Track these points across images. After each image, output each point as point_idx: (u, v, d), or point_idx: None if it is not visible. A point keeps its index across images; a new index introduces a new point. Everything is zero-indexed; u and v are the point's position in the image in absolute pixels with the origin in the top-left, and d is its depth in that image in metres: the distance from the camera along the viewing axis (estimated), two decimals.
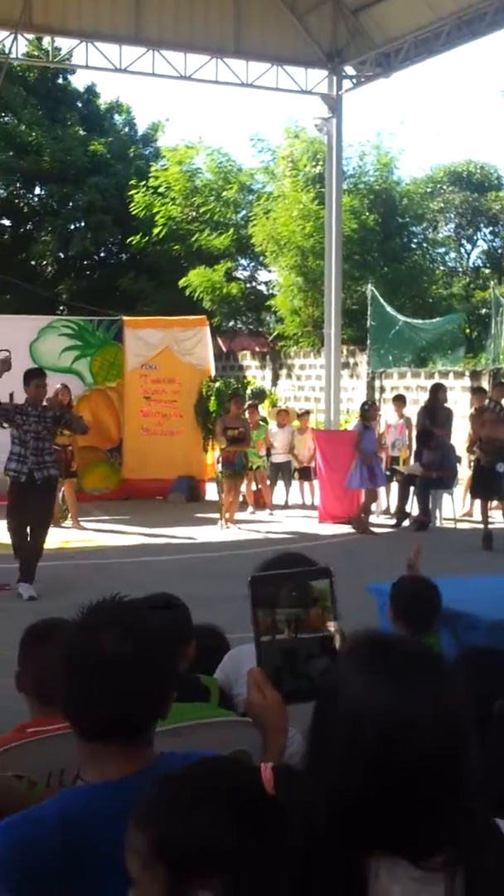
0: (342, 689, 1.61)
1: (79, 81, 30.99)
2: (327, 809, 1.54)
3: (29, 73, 28.74)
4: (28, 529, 10.25)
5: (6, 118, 28.69)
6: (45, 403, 10.38)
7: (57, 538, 13.30)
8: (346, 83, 19.63)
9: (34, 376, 10.38)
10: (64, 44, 19.84)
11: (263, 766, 1.58)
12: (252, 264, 26.89)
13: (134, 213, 26.07)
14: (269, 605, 2.01)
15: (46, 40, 20.31)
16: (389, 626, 4.82)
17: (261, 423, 16.71)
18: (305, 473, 16.90)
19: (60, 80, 30.42)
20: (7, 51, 19.21)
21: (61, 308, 27.27)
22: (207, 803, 1.54)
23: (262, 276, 27.14)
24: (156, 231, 25.36)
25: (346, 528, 14.41)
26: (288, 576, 2.11)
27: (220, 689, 3.71)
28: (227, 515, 14.59)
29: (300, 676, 2.01)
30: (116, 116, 31.11)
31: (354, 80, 19.68)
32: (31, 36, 19.64)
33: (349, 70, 19.46)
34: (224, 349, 26.44)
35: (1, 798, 2.47)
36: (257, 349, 27.19)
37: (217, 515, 14.78)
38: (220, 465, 14.85)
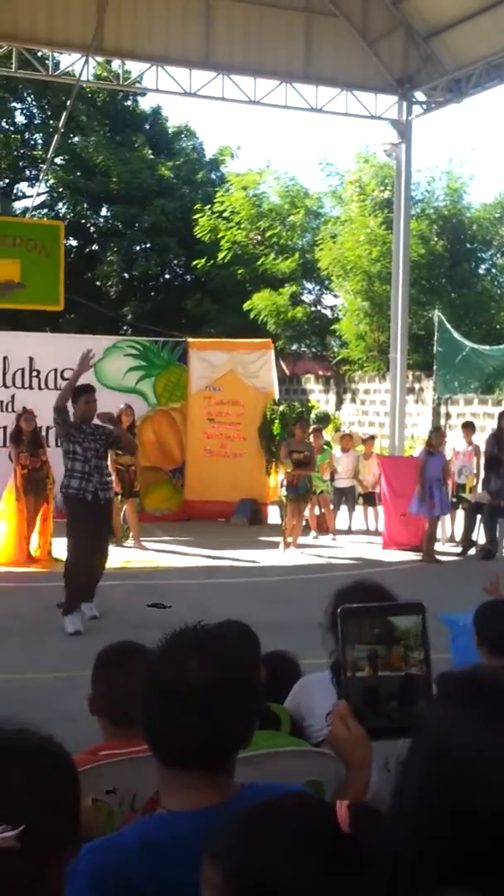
0: (430, 728, 1.55)
1: (145, 104, 31.37)
2: (410, 850, 1.48)
3: (99, 95, 29.10)
4: (91, 550, 9.86)
5: (75, 139, 29.05)
6: (96, 421, 9.99)
7: (119, 558, 13.33)
8: (417, 109, 19.57)
9: (83, 392, 9.97)
10: (134, 67, 20.08)
11: (339, 803, 1.52)
12: (317, 288, 26.88)
13: (199, 236, 26.20)
14: (353, 639, 1.99)
15: (116, 63, 20.55)
16: (462, 656, 4.72)
17: (325, 447, 16.61)
18: (370, 499, 16.75)
19: (128, 103, 30.78)
20: (78, 73, 19.47)
21: (125, 328, 27.46)
22: (282, 839, 1.49)
23: (327, 300, 27.12)
24: (220, 255, 25.45)
25: (411, 555, 14.23)
26: (379, 609, 2.05)
27: (291, 717, 3.62)
28: (290, 539, 14.47)
29: (381, 716, 1.99)
30: (184, 140, 31.35)
31: (425, 106, 19.61)
32: (101, 59, 19.87)
33: (419, 96, 19.41)
34: (287, 372, 26.42)
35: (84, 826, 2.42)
36: (320, 373, 27.13)
37: (280, 539, 14.68)
38: (283, 489, 14.76)
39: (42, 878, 1.54)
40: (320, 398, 25.21)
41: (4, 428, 16.25)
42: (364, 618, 2.01)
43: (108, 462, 10.23)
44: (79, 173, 28.39)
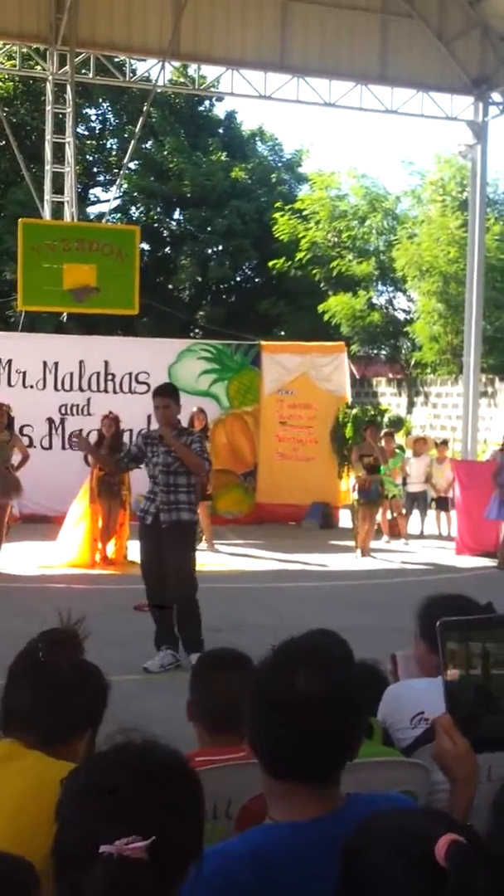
0: None
1: (220, 107, 31.49)
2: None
3: (174, 100, 29.27)
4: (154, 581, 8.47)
5: (148, 144, 29.25)
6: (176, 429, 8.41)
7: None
8: (493, 110, 19.38)
9: (154, 395, 8.63)
10: (209, 71, 20.18)
11: (443, 839, 1.55)
12: (391, 290, 26.74)
13: (278, 237, 26.20)
14: (456, 653, 1.98)
15: (192, 67, 20.67)
16: None
17: (397, 451, 16.51)
18: (443, 503, 16.63)
19: (202, 107, 30.92)
20: (154, 79, 19.62)
21: (196, 331, 27.58)
22: (385, 855, 1.58)
23: (399, 302, 26.96)
24: (299, 256, 25.44)
25: (485, 561, 14.10)
26: (485, 622, 2.04)
27: (383, 727, 3.62)
28: (363, 544, 14.42)
29: (498, 712, 1.98)
30: (259, 143, 31.38)
31: (502, 107, 19.41)
32: (178, 63, 20.01)
33: (496, 97, 19.22)
34: (358, 375, 26.31)
35: None
36: (391, 376, 26.99)
37: (352, 543, 14.64)
38: (355, 493, 14.70)
39: (167, 891, 1.56)
40: (391, 401, 25.08)
41: (80, 431, 16.41)
42: (472, 630, 2.00)
43: (186, 479, 8.32)
44: (152, 177, 28.58)
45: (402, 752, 3.37)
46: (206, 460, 8.48)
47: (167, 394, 8.51)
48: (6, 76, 26.45)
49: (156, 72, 19.46)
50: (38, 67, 20.77)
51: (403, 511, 16.37)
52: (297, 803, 2.02)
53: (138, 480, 13.94)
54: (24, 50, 19.72)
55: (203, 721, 3.16)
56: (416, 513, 16.82)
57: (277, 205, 26.66)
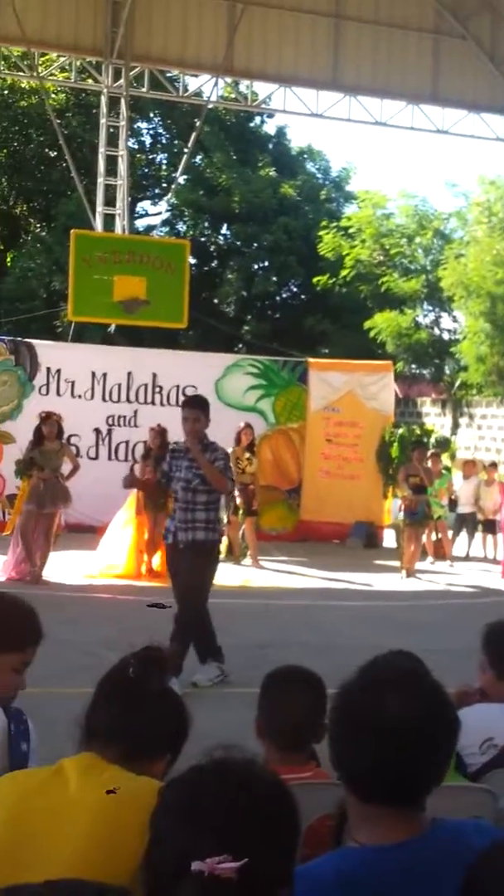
0: None
1: (270, 123, 31.61)
2: None
3: (226, 115, 29.42)
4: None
5: (197, 158, 29.43)
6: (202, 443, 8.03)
7: (239, 576, 13.43)
8: None
9: (184, 406, 8.35)
10: (260, 87, 20.29)
11: None
12: (436, 310, 26.64)
13: (322, 254, 26.24)
14: None
15: (244, 84, 20.79)
16: None
17: (443, 472, 16.41)
18: (490, 526, 16.50)
19: (252, 123, 31.06)
20: (207, 94, 19.75)
21: (240, 346, 27.63)
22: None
23: (445, 322, 26.86)
24: (344, 273, 25.44)
25: None
26: None
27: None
28: (408, 565, 14.34)
29: None
30: (307, 160, 31.45)
31: None
32: (230, 80, 20.13)
33: None
34: (401, 394, 26.22)
35: None
36: (434, 396, 26.87)
37: (396, 563, 14.55)
38: (402, 514, 14.63)
39: None
40: (436, 422, 24.97)
41: (126, 442, 16.50)
42: None
43: (206, 496, 7.97)
44: (201, 192, 28.72)
45: (469, 777, 3.35)
46: (229, 479, 8.15)
47: (198, 406, 8.14)
48: (59, 88, 26.72)
49: (208, 87, 19.60)
50: (90, 80, 20.99)
51: (450, 533, 16.25)
52: (384, 827, 2.00)
53: None
54: (79, 63, 19.93)
55: (272, 739, 3.14)
56: (463, 535, 16.70)
57: (323, 223, 26.68)
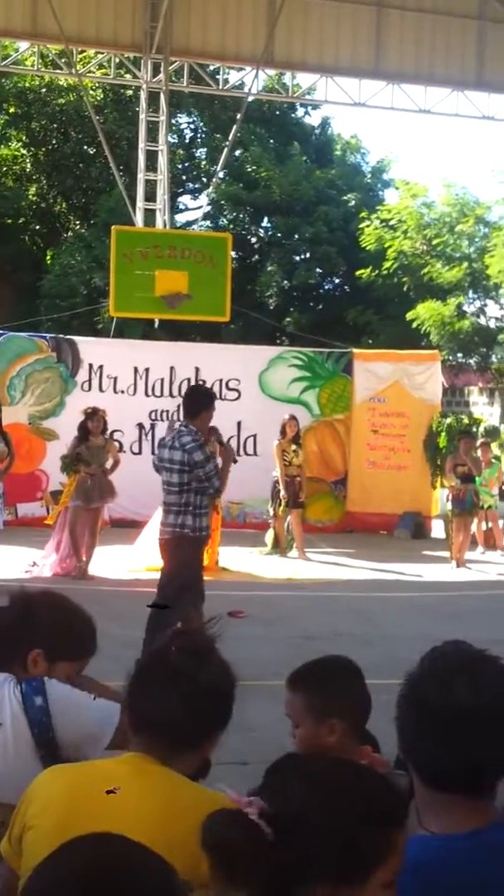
0: None
1: (314, 114, 31.42)
2: None
3: (266, 107, 29.29)
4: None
5: (237, 151, 29.35)
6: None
7: (286, 569, 13.34)
8: None
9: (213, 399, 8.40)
10: (302, 78, 20.11)
11: None
12: (482, 297, 26.31)
13: (364, 246, 26.05)
14: None
15: (287, 75, 20.65)
16: None
17: (493, 460, 16.21)
18: None
19: (294, 114, 30.90)
20: (248, 87, 19.66)
21: (283, 338, 27.51)
22: None
23: (491, 310, 26.51)
24: (386, 265, 25.23)
25: None
26: None
27: None
28: (458, 554, 14.16)
29: None
30: (348, 150, 31.25)
31: None
32: (272, 71, 20.00)
33: None
34: (447, 384, 25.97)
35: None
36: (481, 385, 26.56)
37: (445, 554, 14.39)
38: (450, 503, 14.45)
39: None
40: (483, 411, 24.68)
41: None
42: None
43: (184, 496, 7.91)
44: (241, 185, 28.64)
45: None
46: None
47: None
48: (97, 84, 26.75)
49: (248, 80, 19.50)
50: (128, 76, 20.98)
51: (501, 522, 16.04)
52: (456, 815, 1.99)
53: (231, 486, 13.97)
54: (118, 59, 19.90)
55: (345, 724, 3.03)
56: None
57: (363, 214, 26.52)
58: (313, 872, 1.59)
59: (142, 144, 19.47)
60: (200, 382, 16.86)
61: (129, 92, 26.78)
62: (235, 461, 8.67)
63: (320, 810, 1.62)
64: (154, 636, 7.66)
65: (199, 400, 8.16)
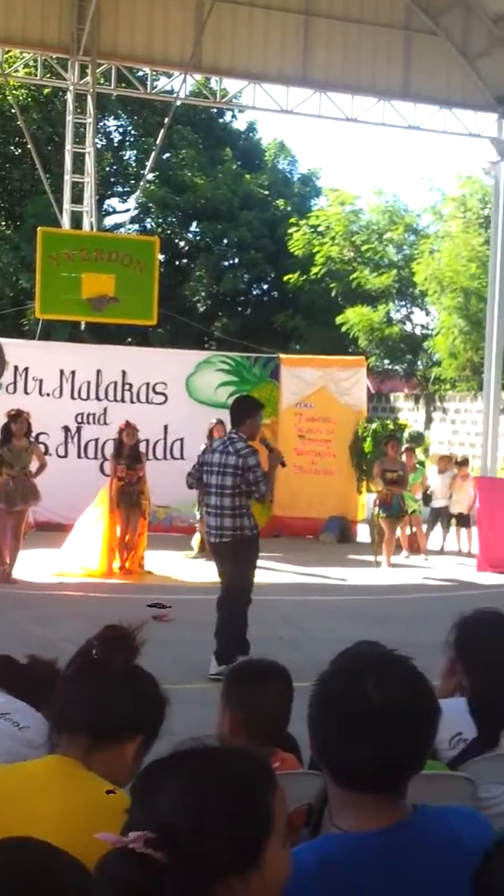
0: None
1: (241, 119, 31.54)
2: None
3: (196, 112, 29.26)
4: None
5: (165, 155, 29.28)
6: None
7: (212, 573, 13.30)
8: None
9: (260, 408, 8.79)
10: (230, 84, 20.14)
11: None
12: (408, 305, 26.64)
13: (293, 251, 26.21)
14: None
15: (214, 80, 20.65)
16: None
17: (417, 466, 16.41)
18: (464, 520, 16.51)
19: (222, 120, 30.95)
20: (176, 91, 19.60)
21: (211, 343, 27.55)
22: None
23: (417, 317, 26.86)
24: (314, 270, 25.41)
25: None
26: None
27: None
28: (385, 557, 14.32)
29: None
30: (277, 156, 31.40)
31: None
32: (199, 76, 19.98)
33: None
34: (373, 390, 26.22)
35: None
36: (407, 391, 26.88)
37: (370, 558, 14.52)
38: (377, 508, 14.60)
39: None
40: (409, 417, 24.98)
41: (96, 440, 16.40)
42: None
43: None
44: (168, 189, 28.61)
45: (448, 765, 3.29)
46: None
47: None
48: (20, 84, 26.47)
49: (177, 84, 19.45)
50: (50, 76, 20.79)
51: (424, 527, 16.25)
52: (364, 813, 1.99)
53: (157, 489, 13.94)
54: (44, 59, 19.71)
55: (241, 733, 3.07)
56: (437, 529, 16.69)
57: (292, 220, 26.64)
58: (214, 872, 1.55)
59: (69, 146, 19.30)
60: (127, 386, 16.82)
61: (48, 90, 26.53)
62: (284, 465, 9.10)
63: (188, 812, 1.57)
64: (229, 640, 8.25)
65: (244, 408, 8.53)
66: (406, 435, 18.79)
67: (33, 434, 13.10)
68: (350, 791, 2.00)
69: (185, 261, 30.05)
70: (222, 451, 8.30)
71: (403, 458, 15.40)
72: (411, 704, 2.01)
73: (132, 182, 30.16)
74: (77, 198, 19.18)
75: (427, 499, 16.67)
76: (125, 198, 31.71)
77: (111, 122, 30.65)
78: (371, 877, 1.91)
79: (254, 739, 3.04)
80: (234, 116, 30.96)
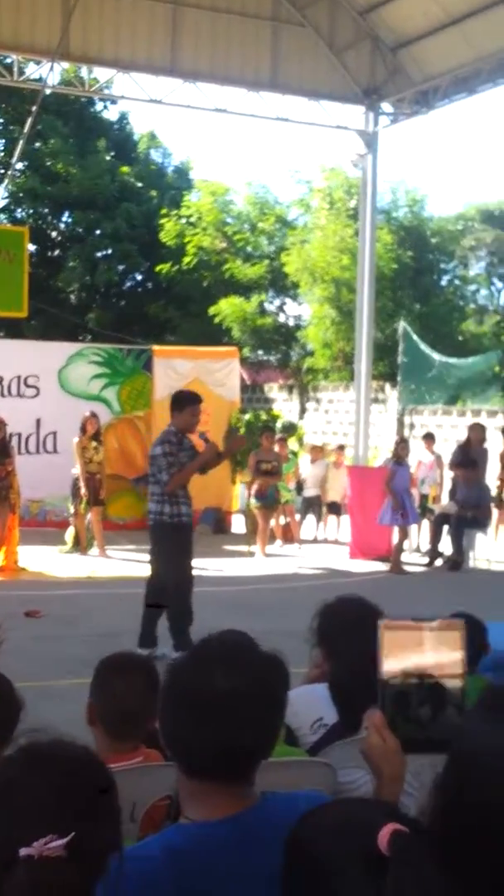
0: (467, 742, 1.57)
1: (112, 110, 31.22)
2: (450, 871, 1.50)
3: (65, 101, 28.88)
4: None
5: (36, 144, 28.80)
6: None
7: (85, 567, 13.23)
8: (384, 120, 19.56)
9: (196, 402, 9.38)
10: (101, 73, 19.92)
11: (385, 829, 1.55)
12: (281, 297, 26.85)
13: (164, 241, 26.12)
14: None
15: (84, 69, 20.40)
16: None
17: (290, 456, 16.55)
18: (335, 508, 16.72)
19: (94, 109, 30.61)
20: (44, 79, 19.31)
21: (85, 335, 27.29)
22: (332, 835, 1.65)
23: (290, 309, 27.09)
24: (186, 260, 25.37)
25: (377, 566, 14.21)
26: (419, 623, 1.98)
27: (287, 727, 3.56)
28: (260, 546, 14.41)
29: (410, 722, 1.96)
30: (150, 146, 31.23)
31: (392, 117, 19.63)
32: (68, 64, 19.72)
33: (386, 107, 19.40)
34: (248, 381, 26.34)
35: None
36: (282, 381, 27.09)
37: (245, 548, 14.59)
38: (252, 498, 14.70)
39: (89, 886, 1.54)
40: (283, 407, 25.18)
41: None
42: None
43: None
44: (39, 179, 28.18)
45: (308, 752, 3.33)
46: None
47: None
48: None
49: (45, 72, 19.15)
50: None
51: (297, 516, 16.41)
52: (213, 802, 2.01)
53: (31, 483, 13.75)
54: None
55: (104, 725, 3.10)
56: (310, 518, 16.86)
57: (163, 211, 26.54)
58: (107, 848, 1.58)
59: None
60: None
61: None
62: (220, 455, 9.85)
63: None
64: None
65: (174, 402, 9.34)
66: (279, 425, 18.95)
67: None
68: (197, 780, 2.01)
69: (57, 252, 29.67)
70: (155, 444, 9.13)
71: (277, 448, 15.52)
72: (256, 692, 2.01)
73: (0, 172, 29.60)
74: None
75: (300, 488, 16.83)
76: None
77: None
78: (217, 865, 1.92)
79: (111, 731, 3.08)
80: (105, 107, 30.65)
